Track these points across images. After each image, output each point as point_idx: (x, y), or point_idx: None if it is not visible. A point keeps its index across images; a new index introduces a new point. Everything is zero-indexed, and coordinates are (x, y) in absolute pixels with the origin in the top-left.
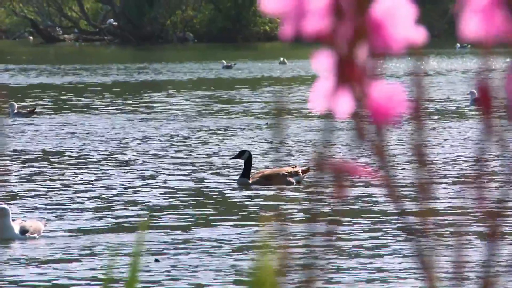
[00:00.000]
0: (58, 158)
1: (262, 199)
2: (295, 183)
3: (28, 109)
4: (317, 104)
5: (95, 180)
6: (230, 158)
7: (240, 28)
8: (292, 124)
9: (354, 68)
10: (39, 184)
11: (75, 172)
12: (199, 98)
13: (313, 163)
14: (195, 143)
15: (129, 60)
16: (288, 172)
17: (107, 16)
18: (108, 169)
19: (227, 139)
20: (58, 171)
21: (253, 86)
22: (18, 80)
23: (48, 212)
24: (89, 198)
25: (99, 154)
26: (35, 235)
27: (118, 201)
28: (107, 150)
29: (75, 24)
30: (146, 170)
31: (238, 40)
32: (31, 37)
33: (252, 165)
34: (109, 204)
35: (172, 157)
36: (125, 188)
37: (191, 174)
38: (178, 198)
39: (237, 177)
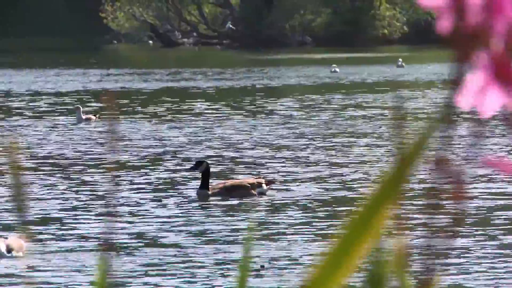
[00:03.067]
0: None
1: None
2: (258, 195)
3: (93, 114)
4: (465, 102)
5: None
6: (186, 170)
7: (358, 32)
8: (409, 128)
9: (509, 66)
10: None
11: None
12: (311, 103)
13: (434, 165)
14: (299, 149)
15: (247, 64)
16: (250, 184)
17: (226, 20)
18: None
19: (342, 144)
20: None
21: (369, 89)
22: (132, 84)
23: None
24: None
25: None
26: (20, 253)
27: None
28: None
29: (194, 28)
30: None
31: (357, 43)
32: (150, 42)
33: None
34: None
35: (278, 164)
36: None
37: (305, 180)
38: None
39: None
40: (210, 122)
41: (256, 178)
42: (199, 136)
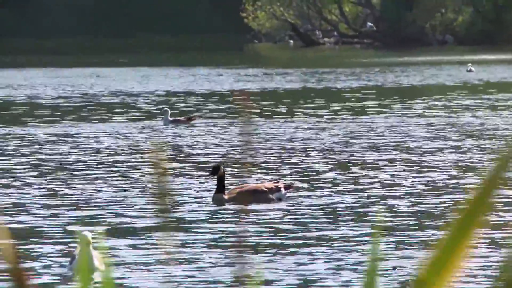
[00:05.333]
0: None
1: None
2: (276, 200)
3: (185, 116)
4: None
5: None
6: (207, 175)
7: (501, 30)
8: None
9: None
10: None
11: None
12: (444, 103)
13: None
14: (430, 147)
15: (387, 63)
16: (268, 188)
17: (367, 19)
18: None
19: (478, 143)
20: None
21: (503, 90)
22: (270, 84)
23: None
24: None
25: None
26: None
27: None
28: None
29: (335, 27)
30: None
31: (499, 42)
32: (291, 41)
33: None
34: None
35: (408, 165)
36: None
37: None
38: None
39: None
40: (349, 122)
41: (274, 183)
42: (338, 135)
